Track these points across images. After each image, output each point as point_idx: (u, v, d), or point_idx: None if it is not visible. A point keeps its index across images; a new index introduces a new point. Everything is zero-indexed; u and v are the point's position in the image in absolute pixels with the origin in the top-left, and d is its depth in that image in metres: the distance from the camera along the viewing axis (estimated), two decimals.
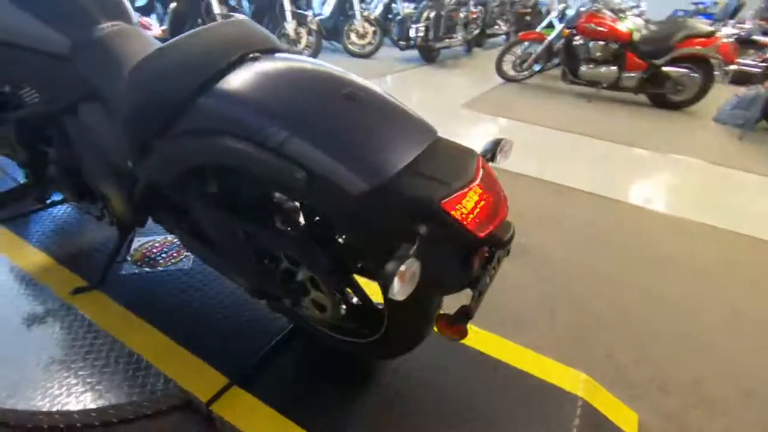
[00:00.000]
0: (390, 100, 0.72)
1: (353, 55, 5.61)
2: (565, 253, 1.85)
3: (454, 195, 0.61)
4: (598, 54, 4.24)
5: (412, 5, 5.82)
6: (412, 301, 0.60)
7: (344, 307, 0.94)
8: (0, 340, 1.13)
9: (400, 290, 0.56)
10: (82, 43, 0.97)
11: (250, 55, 0.80)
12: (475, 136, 3.22)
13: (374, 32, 5.56)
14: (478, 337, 1.24)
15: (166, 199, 0.98)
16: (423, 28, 5.32)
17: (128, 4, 1.12)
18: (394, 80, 4.81)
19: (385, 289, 0.55)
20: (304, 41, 4.73)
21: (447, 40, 5.67)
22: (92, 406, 0.99)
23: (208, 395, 1.02)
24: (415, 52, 5.70)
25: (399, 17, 5.54)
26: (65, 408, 0.98)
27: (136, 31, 1.06)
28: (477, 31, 6.26)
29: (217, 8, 3.64)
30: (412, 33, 5.35)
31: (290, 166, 0.65)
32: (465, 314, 0.70)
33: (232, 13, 3.77)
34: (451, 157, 0.68)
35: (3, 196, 1.25)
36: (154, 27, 3.14)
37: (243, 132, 0.69)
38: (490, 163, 0.76)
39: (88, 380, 1.04)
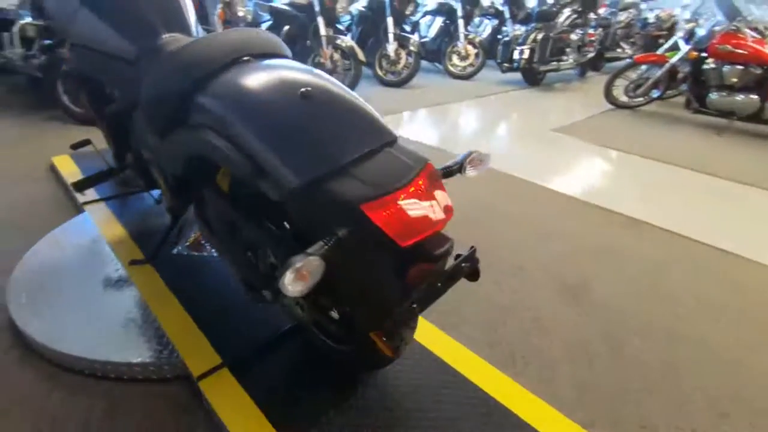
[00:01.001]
0: (349, 102, 0.73)
1: (453, 76, 5.63)
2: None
3: (377, 200, 0.59)
4: (735, 80, 3.64)
5: (524, 28, 5.67)
6: (374, 312, 0.59)
7: (318, 310, 0.95)
8: (78, 296, 1.37)
9: (291, 285, 0.56)
10: (144, 51, 1.16)
11: (244, 58, 0.87)
12: (549, 161, 2.98)
13: (476, 54, 5.53)
14: (484, 374, 1.15)
15: (189, 188, 1.11)
16: (528, 50, 5.14)
17: (190, 19, 1.29)
18: (488, 101, 4.70)
19: (278, 281, 0.55)
20: (402, 62, 4.90)
21: (554, 63, 5.38)
22: (113, 359, 1.15)
23: (200, 371, 1.11)
24: (518, 75, 5.51)
25: (505, 39, 5.43)
26: (91, 357, 1.15)
27: (188, 40, 1.23)
28: (592, 54, 5.82)
29: (323, 30, 3.98)
30: (515, 55, 5.20)
31: (243, 160, 0.69)
32: (390, 332, 0.66)
33: (338, 35, 4.09)
34: (392, 163, 0.66)
35: (94, 178, 1.53)
36: None
37: (215, 126, 0.76)
38: (461, 175, 0.72)
39: (119, 338, 1.21)
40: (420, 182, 0.62)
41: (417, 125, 3.79)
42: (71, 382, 1.13)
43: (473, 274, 0.75)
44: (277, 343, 1.21)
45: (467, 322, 1.42)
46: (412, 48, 4.78)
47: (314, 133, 0.67)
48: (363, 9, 5.11)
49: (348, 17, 5.37)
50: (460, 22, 5.37)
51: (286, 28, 4.23)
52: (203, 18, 3.61)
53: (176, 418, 1.06)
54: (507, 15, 6.50)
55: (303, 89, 0.72)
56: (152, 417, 1.05)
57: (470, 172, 0.74)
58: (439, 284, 0.68)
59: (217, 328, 1.24)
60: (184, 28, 1.25)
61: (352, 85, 4.14)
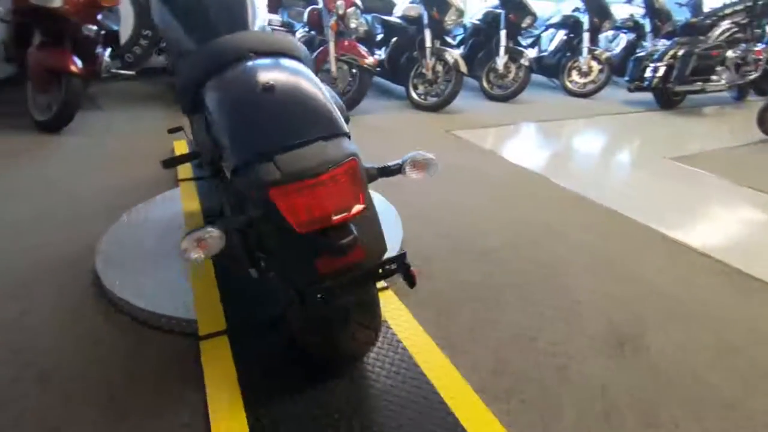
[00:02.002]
0: (306, 97, 0.77)
1: (571, 93, 5.22)
2: None
3: (282, 186, 0.61)
4: None
5: (666, 42, 5.00)
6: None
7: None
8: (152, 258, 1.63)
9: (188, 250, 0.61)
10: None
11: (249, 55, 0.96)
12: (666, 196, 2.56)
13: (600, 71, 5.04)
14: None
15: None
16: (663, 68, 4.51)
17: (252, 20, 1.43)
18: (606, 121, 4.25)
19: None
20: (512, 75, 4.71)
21: (699, 84, 4.62)
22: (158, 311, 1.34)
23: (205, 332, 1.24)
24: (649, 95, 4.87)
25: (638, 55, 4.85)
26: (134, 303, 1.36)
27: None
28: (755, 75, 4.86)
29: (428, 42, 4.05)
30: (647, 73, 4.61)
31: (209, 143, 0.77)
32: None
33: (444, 48, 4.13)
34: (316, 155, 0.67)
35: (179, 159, 1.80)
36: (369, 57, 3.77)
37: (204, 114, 0.86)
38: (401, 176, 0.70)
39: (176, 295, 1.41)
40: (334, 175, 0.63)
41: (515, 141, 3.60)
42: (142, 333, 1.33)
43: (408, 279, 0.72)
44: (278, 322, 1.29)
45: (477, 344, 1.33)
46: (523, 62, 4.58)
47: (259, 122, 0.72)
48: (477, 22, 5.06)
49: (461, 30, 5.37)
50: (585, 36, 4.96)
51: (394, 39, 4.41)
52: (319, 29, 3.97)
53: (183, 369, 1.19)
54: (648, 28, 5.81)
55: (266, 83, 0.78)
56: (166, 365, 1.21)
57: (412, 174, 0.71)
58: (356, 280, 0.67)
59: (237, 297, 1.37)
60: (243, 28, 1.40)
61: (452, 96, 4.13)
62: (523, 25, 4.67)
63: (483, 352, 1.31)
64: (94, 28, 3.15)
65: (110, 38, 3.63)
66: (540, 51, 5.72)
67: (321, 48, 3.88)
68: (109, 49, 3.51)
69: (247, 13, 1.40)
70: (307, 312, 0.67)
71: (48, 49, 2.93)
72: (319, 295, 0.66)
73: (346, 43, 3.80)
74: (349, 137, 0.75)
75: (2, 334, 1.30)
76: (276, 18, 4.68)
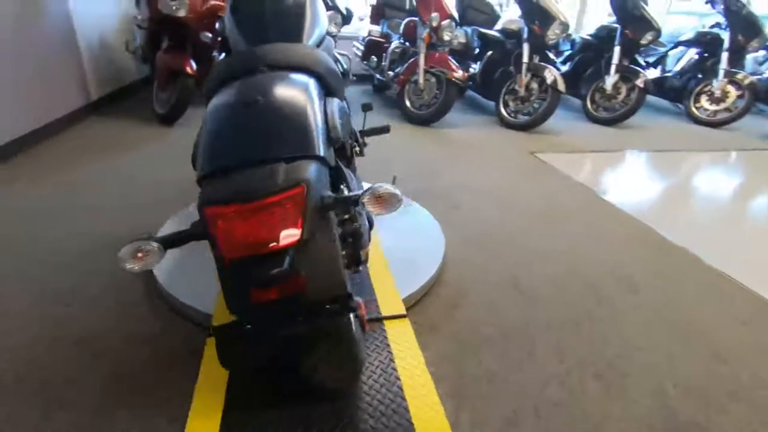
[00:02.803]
0: (283, 116, 0.73)
1: (697, 121, 4.51)
2: None
3: (217, 207, 0.59)
4: None
5: None
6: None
7: None
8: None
9: (126, 259, 0.61)
10: None
11: (261, 68, 0.96)
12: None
13: (739, 97, 4.26)
14: None
15: None
16: None
17: (305, 31, 1.44)
18: (737, 159, 3.57)
19: None
20: (621, 97, 4.21)
21: None
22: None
23: (218, 321, 1.28)
24: None
25: None
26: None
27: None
28: None
29: (525, 57, 3.80)
30: None
31: (194, 152, 0.78)
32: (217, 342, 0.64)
33: (543, 64, 3.84)
34: (265, 177, 0.63)
35: None
36: (459, 71, 3.66)
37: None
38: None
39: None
40: (277, 201, 0.58)
41: (615, 173, 3.16)
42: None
43: (357, 322, 0.64)
44: None
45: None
46: (638, 83, 4.06)
47: (227, 137, 0.70)
48: (587, 36, 4.63)
49: (568, 45, 4.96)
50: (724, 56, 4.24)
51: (489, 53, 4.24)
52: (413, 40, 3.97)
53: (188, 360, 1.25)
54: None
55: (251, 98, 0.76)
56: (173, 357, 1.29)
57: (371, 208, 0.63)
58: (290, 313, 0.62)
59: None
60: (297, 41, 1.41)
61: (545, 116, 3.83)
62: (643, 41, 4.15)
63: (492, 413, 1.15)
64: (210, 35, 3.54)
65: (226, 44, 4.06)
66: (664, 71, 5.04)
67: (412, 59, 3.88)
68: (223, 54, 3.92)
69: (302, 25, 1.42)
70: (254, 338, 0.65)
71: (172, 53, 3.37)
72: (247, 324, 0.63)
73: (436, 55, 3.75)
74: (321, 160, 0.71)
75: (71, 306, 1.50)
76: (376, 29, 4.82)
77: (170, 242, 0.63)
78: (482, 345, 1.39)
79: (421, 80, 3.79)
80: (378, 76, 4.68)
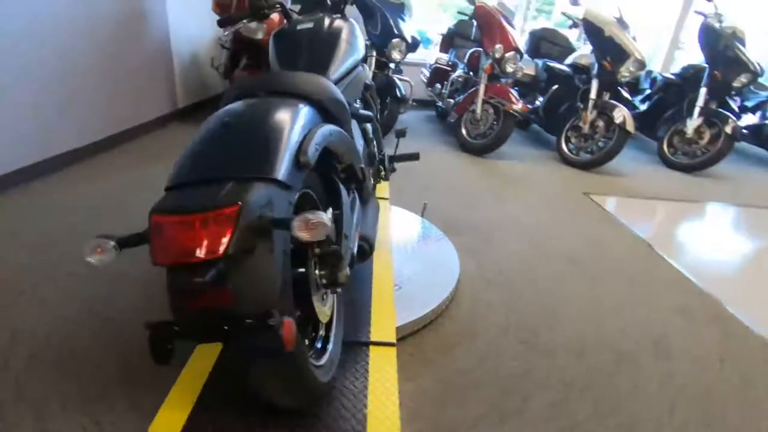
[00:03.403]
0: (256, 137, 0.78)
1: None
2: None
3: (163, 214, 0.64)
4: None
5: None
6: None
7: None
8: None
9: (87, 252, 0.68)
10: None
11: (259, 93, 1.02)
12: None
13: None
14: None
15: None
16: None
17: (334, 63, 1.51)
18: None
19: None
20: (704, 142, 3.83)
21: None
22: None
23: None
24: None
25: None
26: None
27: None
28: None
29: (593, 93, 3.61)
30: None
31: None
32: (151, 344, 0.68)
33: (613, 102, 3.62)
34: (211, 194, 0.68)
35: None
36: (518, 103, 3.57)
37: None
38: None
39: None
40: (205, 217, 0.63)
41: (689, 230, 2.86)
42: None
43: (276, 342, 0.65)
44: None
45: None
46: (726, 129, 3.68)
47: (194, 154, 0.76)
48: (671, 76, 4.30)
49: (647, 84, 4.62)
50: None
51: (555, 87, 4.09)
52: (476, 70, 3.96)
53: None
54: None
55: (229, 118, 0.82)
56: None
57: (299, 234, 0.65)
58: (211, 324, 0.66)
59: None
60: (322, 69, 1.49)
61: (609, 156, 3.59)
62: (736, 84, 3.76)
63: None
64: None
65: None
66: (765, 117, 4.51)
67: (473, 89, 3.88)
68: None
69: (330, 55, 1.49)
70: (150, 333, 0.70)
71: (248, 70, 3.70)
72: (176, 328, 0.67)
73: (497, 86, 3.71)
74: (278, 182, 0.74)
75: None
76: (444, 57, 4.88)
77: (125, 242, 0.71)
78: (471, 390, 1.32)
79: (478, 110, 3.76)
80: (440, 103, 4.72)
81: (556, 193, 3.15)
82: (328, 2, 1.85)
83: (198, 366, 1.23)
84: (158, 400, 1.07)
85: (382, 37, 3.70)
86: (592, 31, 3.55)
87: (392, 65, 3.96)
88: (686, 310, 1.83)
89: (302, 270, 0.97)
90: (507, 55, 3.65)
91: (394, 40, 3.69)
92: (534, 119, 4.47)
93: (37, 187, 2.42)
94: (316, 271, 1.07)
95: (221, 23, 1.60)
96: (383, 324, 1.45)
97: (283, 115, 0.88)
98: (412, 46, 3.91)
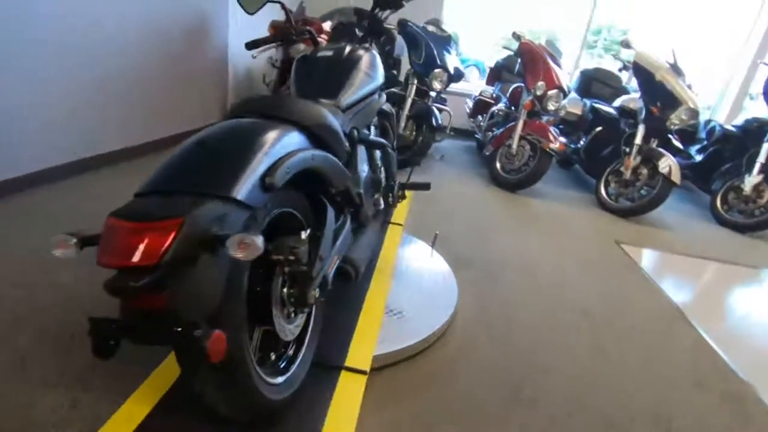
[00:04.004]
0: (223, 156, 0.82)
1: None
2: None
3: (113, 218, 0.70)
4: None
5: None
6: None
7: None
8: None
9: (53, 246, 0.74)
10: None
11: (244, 114, 1.07)
12: None
13: None
14: None
15: None
16: None
17: (345, 91, 1.55)
18: None
19: None
20: (762, 201, 3.51)
21: None
22: None
23: None
24: None
25: None
26: None
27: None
28: None
29: (639, 139, 3.44)
30: None
31: None
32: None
33: (661, 150, 3.43)
34: (162, 206, 0.72)
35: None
36: (556, 142, 3.47)
37: None
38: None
39: None
40: (147, 227, 0.67)
41: (722, 295, 2.60)
42: None
43: (200, 355, 0.68)
44: None
45: None
46: None
47: (164, 167, 0.82)
48: (731, 127, 4.01)
49: (704, 133, 4.34)
50: None
51: (598, 128, 3.94)
52: (517, 106, 3.91)
53: None
54: None
55: (205, 137, 0.88)
56: None
57: (233, 252, 0.68)
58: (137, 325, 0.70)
59: None
60: (332, 95, 1.54)
61: (650, 205, 3.39)
62: None
63: None
64: None
65: None
66: None
67: (511, 123, 3.83)
68: None
69: (341, 83, 1.53)
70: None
71: None
72: (114, 326, 0.71)
73: (536, 123, 3.64)
74: (235, 201, 0.78)
75: None
76: (488, 90, 4.88)
77: (86, 241, 0.77)
78: (438, 429, 1.27)
79: (514, 145, 3.70)
80: (479, 134, 4.70)
81: (584, 238, 3.00)
82: (358, 33, 1.93)
83: (169, 367, 1.28)
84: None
85: (424, 67, 3.77)
86: (642, 75, 3.42)
87: (433, 94, 4.02)
88: (705, 388, 1.64)
89: (264, 286, 1.00)
90: (549, 93, 3.59)
91: (436, 71, 3.75)
92: (575, 159, 4.33)
93: (83, 179, 2.66)
94: (285, 290, 1.10)
95: (249, 45, 1.72)
96: (361, 350, 1.44)
97: (260, 137, 0.92)
98: (455, 77, 3.95)
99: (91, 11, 2.57)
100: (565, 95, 3.67)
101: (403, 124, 3.82)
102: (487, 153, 3.97)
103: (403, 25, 3.83)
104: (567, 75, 3.91)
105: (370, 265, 1.92)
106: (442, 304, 1.79)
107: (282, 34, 1.75)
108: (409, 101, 3.81)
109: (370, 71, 1.70)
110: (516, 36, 3.76)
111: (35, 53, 2.28)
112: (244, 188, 0.82)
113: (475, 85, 6.31)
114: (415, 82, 3.82)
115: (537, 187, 3.78)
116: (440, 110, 4.07)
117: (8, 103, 2.19)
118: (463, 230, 2.76)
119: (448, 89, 4.03)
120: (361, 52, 1.71)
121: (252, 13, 1.69)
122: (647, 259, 2.82)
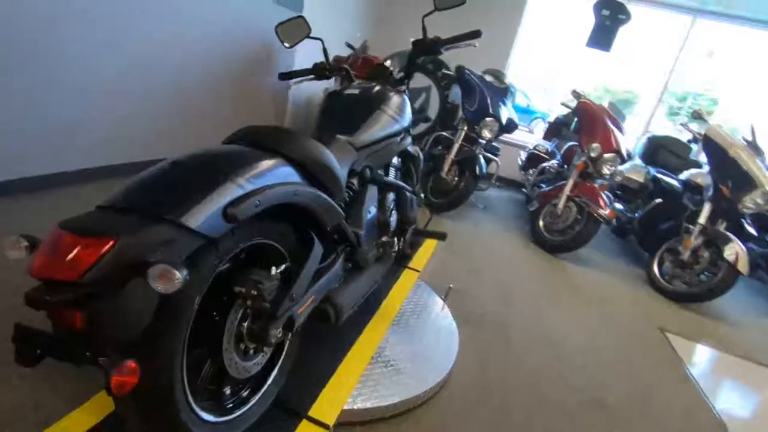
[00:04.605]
0: (186, 181, 0.81)
1: None
2: None
3: (59, 229, 0.69)
4: None
5: None
6: None
7: None
8: None
9: (6, 247, 0.75)
10: None
11: (238, 141, 1.07)
12: None
13: None
14: None
15: None
16: None
17: (363, 130, 1.54)
18: None
19: None
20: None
21: None
22: None
23: None
24: None
25: None
26: None
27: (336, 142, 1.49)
28: None
29: (703, 219, 3.10)
30: None
31: None
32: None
33: (726, 233, 3.06)
34: (105, 223, 0.71)
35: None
36: (606, 209, 3.22)
37: None
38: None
39: None
40: (78, 241, 0.65)
41: None
42: None
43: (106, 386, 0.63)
44: None
45: None
46: None
47: (134, 183, 0.82)
48: None
49: None
50: None
51: (658, 200, 3.62)
52: (569, 165, 3.71)
53: None
54: None
55: (184, 158, 0.87)
56: None
57: (154, 285, 0.64)
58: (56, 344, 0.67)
59: None
60: (349, 132, 1.52)
61: (710, 294, 3.00)
62: None
63: None
64: None
65: None
66: None
67: (561, 183, 3.64)
68: None
69: (359, 122, 1.54)
70: None
71: None
72: (38, 337, 0.70)
73: (588, 185, 3.43)
74: (185, 229, 0.75)
75: None
76: (544, 144, 4.72)
77: (35, 245, 0.77)
78: None
79: (560, 204, 3.49)
80: (526, 189, 4.52)
81: (623, 317, 2.70)
82: (394, 76, 1.94)
83: None
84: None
85: (475, 114, 3.72)
86: (713, 150, 3.12)
87: (483, 142, 3.94)
88: None
89: (216, 319, 0.96)
90: (605, 156, 3.38)
91: (487, 119, 3.69)
92: (630, 229, 3.99)
93: None
94: (245, 324, 1.05)
95: (282, 76, 1.78)
96: (330, 400, 1.35)
97: (239, 166, 0.90)
98: (507, 127, 3.86)
99: (170, 35, 2.85)
100: (623, 161, 3.43)
101: (446, 168, 3.76)
102: (531, 209, 3.78)
103: (459, 70, 3.84)
104: (628, 139, 3.67)
105: (369, 310, 1.84)
106: (437, 364, 1.66)
107: (318, 69, 1.80)
108: (456, 146, 3.75)
109: (395, 113, 1.69)
110: (576, 94, 3.63)
111: (126, 70, 2.62)
112: (200, 216, 0.79)
113: (537, 138, 6.16)
114: (465, 128, 3.77)
115: (582, 253, 3.51)
116: (488, 159, 3.97)
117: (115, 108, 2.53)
118: (486, 287, 2.59)
119: (504, 139, 3.94)
120: (389, 94, 1.71)
121: (290, 47, 1.76)
122: (695, 355, 2.47)
